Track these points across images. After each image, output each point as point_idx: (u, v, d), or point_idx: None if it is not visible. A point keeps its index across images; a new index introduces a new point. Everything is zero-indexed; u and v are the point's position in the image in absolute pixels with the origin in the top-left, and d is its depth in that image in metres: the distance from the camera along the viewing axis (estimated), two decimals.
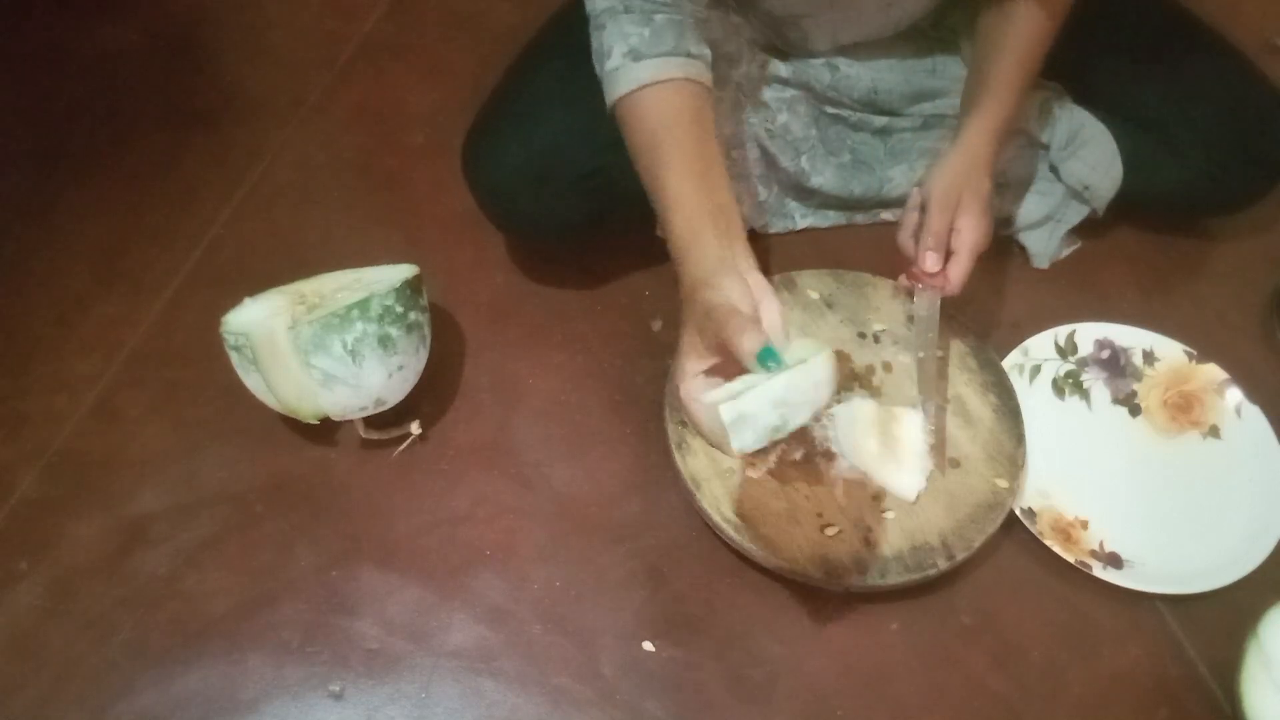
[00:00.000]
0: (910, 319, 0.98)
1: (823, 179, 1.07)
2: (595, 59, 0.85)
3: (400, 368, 0.91)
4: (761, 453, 0.91)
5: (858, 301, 1.01)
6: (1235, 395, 0.97)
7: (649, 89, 0.80)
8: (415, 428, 0.94)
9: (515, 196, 0.97)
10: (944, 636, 0.85)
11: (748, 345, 0.65)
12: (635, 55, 0.81)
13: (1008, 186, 1.08)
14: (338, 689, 0.82)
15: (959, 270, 0.89)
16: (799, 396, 0.64)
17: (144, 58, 1.35)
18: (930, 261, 0.90)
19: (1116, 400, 0.99)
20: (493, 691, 0.82)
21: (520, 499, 0.93)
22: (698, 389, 0.71)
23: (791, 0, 0.95)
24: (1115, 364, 1.01)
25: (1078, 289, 1.08)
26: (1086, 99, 1.01)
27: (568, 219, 0.98)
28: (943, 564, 0.84)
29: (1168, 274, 1.10)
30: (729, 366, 0.70)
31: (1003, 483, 0.89)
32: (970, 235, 0.89)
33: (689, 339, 0.73)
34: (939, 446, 0.92)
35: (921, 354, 0.94)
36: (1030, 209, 1.07)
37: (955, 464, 0.91)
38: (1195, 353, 1.00)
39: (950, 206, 0.89)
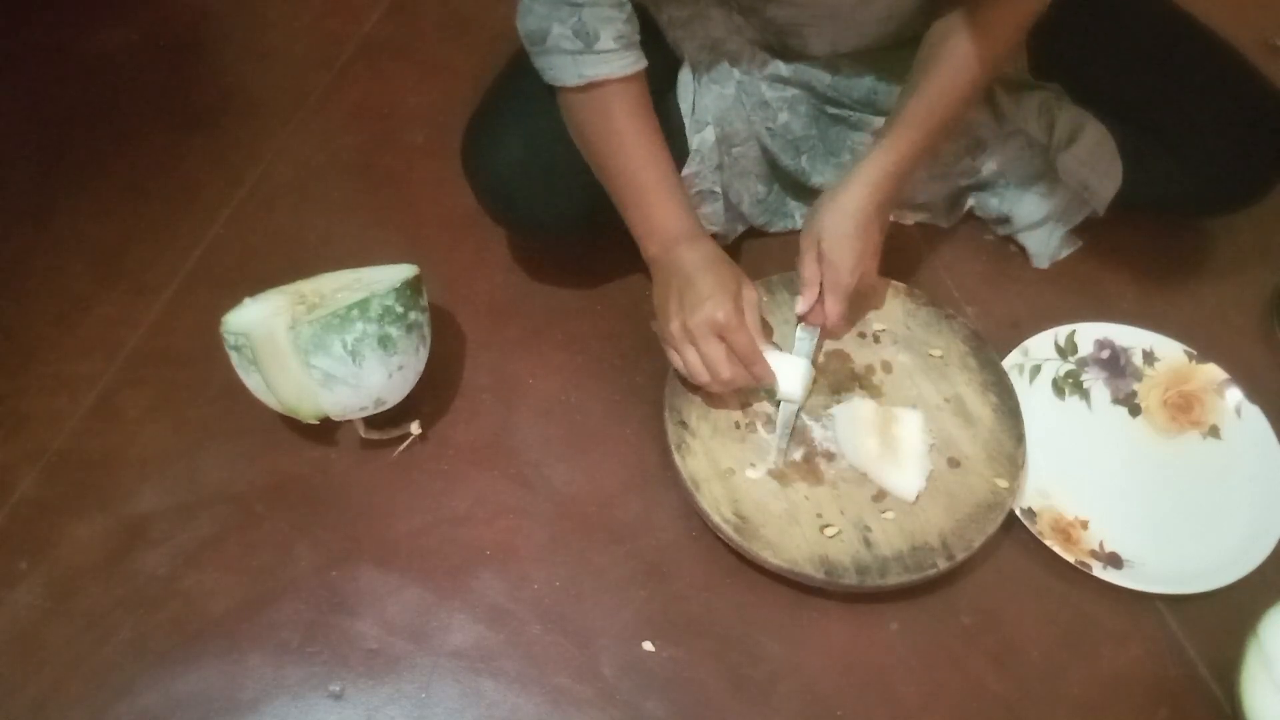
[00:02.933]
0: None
1: (823, 178, 1.07)
2: (567, 32, 0.87)
3: (400, 368, 0.91)
4: (761, 454, 0.91)
5: (857, 300, 1.01)
6: (1235, 395, 0.97)
7: (627, 80, 0.88)
8: (415, 428, 0.94)
9: (514, 191, 0.97)
10: (944, 636, 0.85)
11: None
12: (626, 42, 0.87)
13: (1008, 187, 1.08)
14: (338, 689, 0.82)
15: (830, 310, 0.94)
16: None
17: (144, 58, 1.35)
18: (799, 304, 0.95)
19: (1116, 400, 0.99)
20: (493, 691, 0.82)
21: (520, 499, 0.93)
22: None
23: (793, 10, 0.95)
24: (1115, 364, 1.01)
25: (1078, 289, 1.08)
26: (1086, 99, 1.01)
27: (567, 213, 0.97)
28: (942, 564, 0.84)
29: (1168, 274, 1.10)
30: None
31: (1003, 483, 0.89)
32: (833, 278, 0.92)
33: (713, 282, 0.87)
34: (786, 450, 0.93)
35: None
36: (1030, 209, 1.07)
37: (955, 464, 0.91)
38: (1195, 353, 1.00)
39: (812, 249, 0.93)
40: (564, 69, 0.88)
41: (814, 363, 0.97)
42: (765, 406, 0.94)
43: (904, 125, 0.90)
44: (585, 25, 0.86)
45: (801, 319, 0.97)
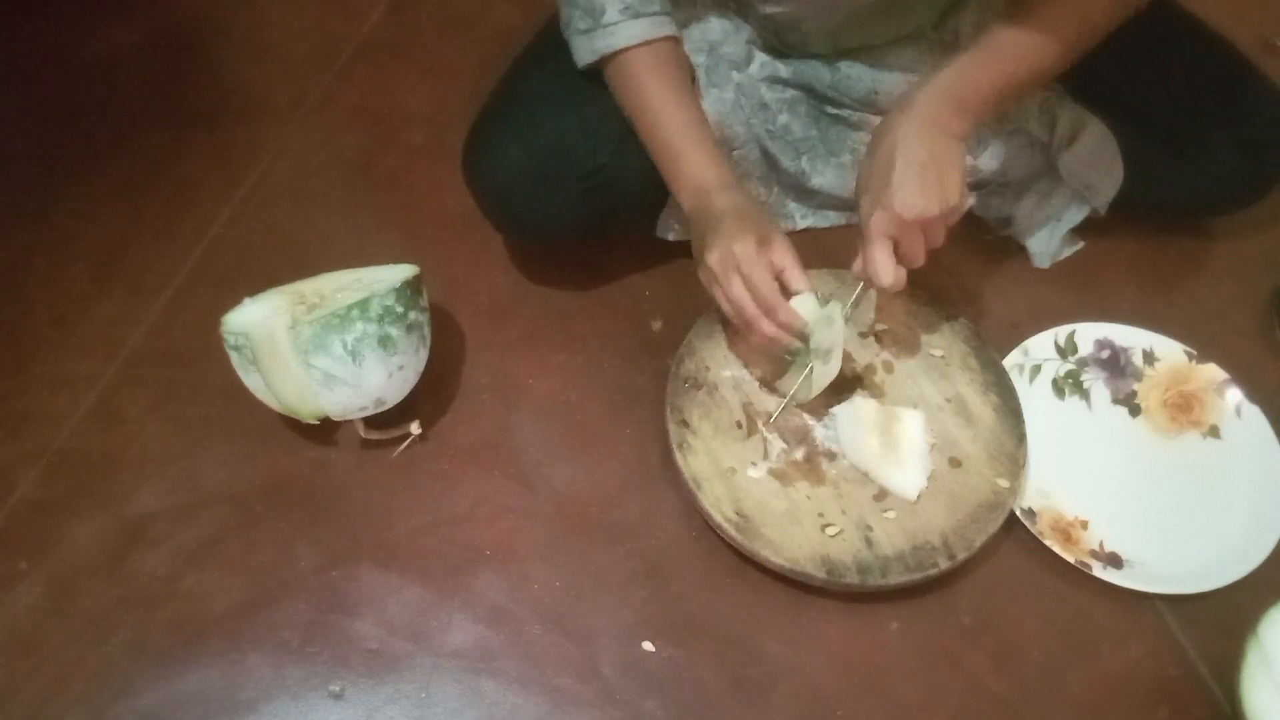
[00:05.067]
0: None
1: (823, 179, 1.07)
2: (579, 12, 0.90)
3: (400, 368, 0.91)
4: (764, 452, 0.91)
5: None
6: (1235, 395, 0.97)
7: (647, 46, 0.90)
8: (415, 428, 0.94)
9: (515, 198, 0.97)
10: (944, 636, 0.85)
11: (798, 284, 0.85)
12: (633, 13, 0.89)
13: (1008, 186, 1.08)
14: (338, 689, 0.82)
15: (869, 258, 0.83)
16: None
17: (144, 58, 1.35)
18: (857, 260, 0.86)
19: (1116, 400, 0.99)
20: (493, 691, 0.82)
21: (520, 499, 0.93)
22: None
23: (792, 6, 0.95)
24: (1115, 364, 1.01)
25: (1078, 289, 1.08)
26: (1087, 98, 1.01)
27: (568, 220, 0.98)
28: (944, 563, 0.84)
29: (1168, 274, 1.10)
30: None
31: (1004, 482, 0.89)
32: (861, 216, 0.84)
33: (736, 226, 0.84)
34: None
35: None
36: (1031, 208, 1.07)
37: (956, 464, 0.91)
38: (1195, 353, 1.00)
39: (861, 196, 0.85)
40: (581, 49, 0.91)
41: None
42: (767, 404, 0.94)
43: (976, 48, 0.82)
44: (592, 1, 0.88)
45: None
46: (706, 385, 0.95)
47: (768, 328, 0.85)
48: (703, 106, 0.99)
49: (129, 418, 0.99)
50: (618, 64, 0.91)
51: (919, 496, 0.88)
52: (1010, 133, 1.03)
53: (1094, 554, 0.88)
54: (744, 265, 0.83)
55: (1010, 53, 0.82)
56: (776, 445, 0.92)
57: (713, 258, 0.85)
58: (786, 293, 0.86)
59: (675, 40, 0.93)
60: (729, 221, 0.86)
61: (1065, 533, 0.89)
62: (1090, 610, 0.86)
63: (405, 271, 0.94)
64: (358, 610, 0.86)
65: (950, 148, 0.81)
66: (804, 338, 0.86)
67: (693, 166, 0.90)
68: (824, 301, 0.87)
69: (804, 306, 0.86)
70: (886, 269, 0.82)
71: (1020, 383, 0.97)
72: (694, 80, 1.00)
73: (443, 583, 0.88)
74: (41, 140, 1.25)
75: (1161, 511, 0.92)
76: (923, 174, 0.79)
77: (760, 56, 1.02)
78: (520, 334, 1.05)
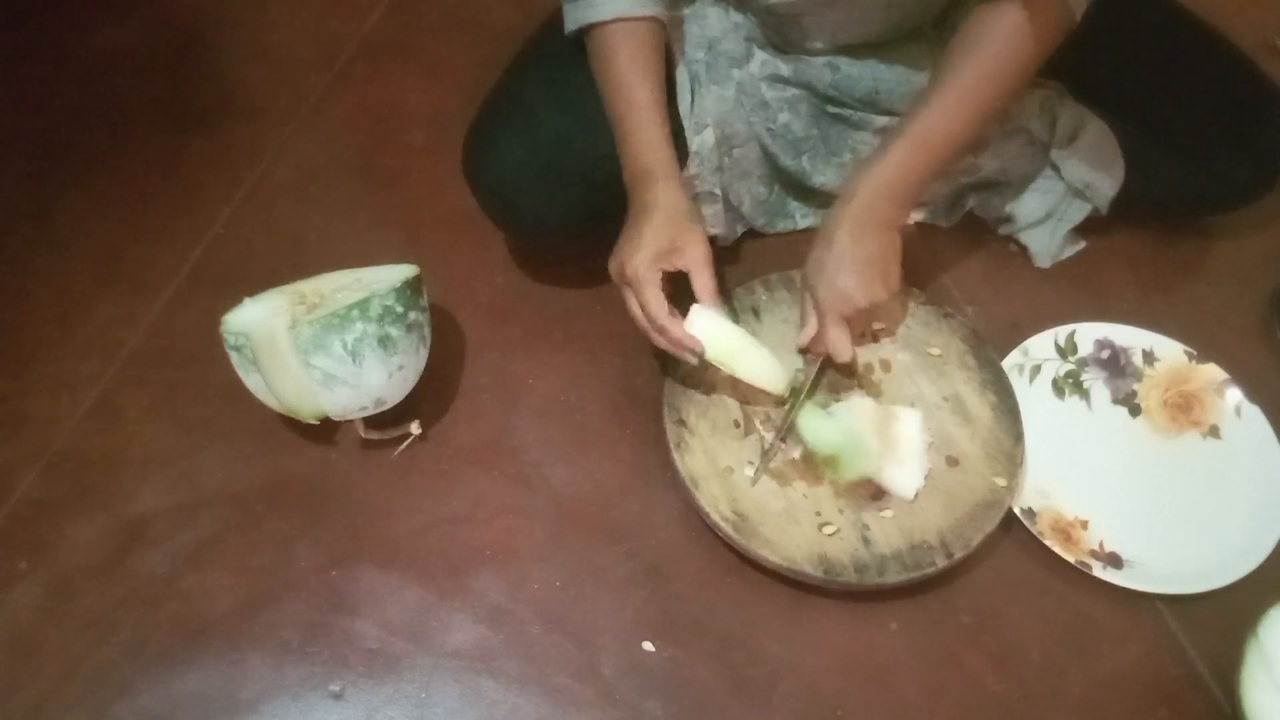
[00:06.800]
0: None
1: (824, 178, 1.06)
2: None
3: (400, 368, 0.91)
4: (762, 451, 0.91)
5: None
6: (1235, 395, 0.97)
7: (626, 22, 0.90)
8: (415, 428, 0.94)
9: (517, 194, 0.97)
10: (944, 636, 0.85)
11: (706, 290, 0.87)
12: None
13: (1009, 185, 1.08)
14: (338, 689, 0.82)
15: (825, 338, 0.90)
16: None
17: (144, 58, 1.35)
18: (799, 337, 0.94)
19: (1116, 400, 0.99)
20: (493, 691, 0.82)
21: (520, 499, 0.93)
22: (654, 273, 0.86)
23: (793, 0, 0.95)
24: (1115, 364, 1.01)
25: (1078, 289, 1.08)
26: (1088, 96, 1.01)
27: (570, 216, 0.98)
28: (941, 562, 0.84)
29: (1168, 274, 1.10)
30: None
31: (1001, 481, 0.89)
32: (819, 302, 0.89)
33: (648, 231, 0.86)
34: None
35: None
36: (1032, 207, 1.07)
37: (954, 462, 0.91)
38: (1195, 353, 1.00)
39: (814, 281, 0.90)
40: (568, 17, 0.93)
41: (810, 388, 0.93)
42: (765, 404, 0.94)
43: (904, 135, 0.87)
44: None
45: (805, 350, 0.94)
46: (704, 385, 0.95)
47: (660, 343, 0.88)
48: (704, 104, 0.99)
49: (129, 418, 0.99)
50: (594, 37, 0.92)
51: (916, 495, 0.88)
52: (1010, 132, 1.03)
53: (1094, 554, 0.88)
54: (635, 284, 0.86)
55: (941, 138, 0.87)
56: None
57: (612, 266, 0.88)
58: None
59: (658, 21, 0.93)
60: (645, 224, 0.87)
61: (1065, 533, 0.89)
62: (1090, 610, 0.86)
63: (405, 271, 0.94)
64: (358, 610, 0.86)
65: (893, 240, 0.89)
66: (700, 355, 0.87)
67: (637, 145, 0.90)
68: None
69: (704, 318, 0.87)
70: (846, 348, 0.90)
71: (1020, 383, 0.97)
72: (692, 79, 1.00)
73: (443, 583, 0.88)
74: (41, 140, 1.25)
75: (1161, 511, 0.92)
76: (873, 268, 0.88)
77: (760, 54, 1.02)
78: (520, 334, 1.05)
